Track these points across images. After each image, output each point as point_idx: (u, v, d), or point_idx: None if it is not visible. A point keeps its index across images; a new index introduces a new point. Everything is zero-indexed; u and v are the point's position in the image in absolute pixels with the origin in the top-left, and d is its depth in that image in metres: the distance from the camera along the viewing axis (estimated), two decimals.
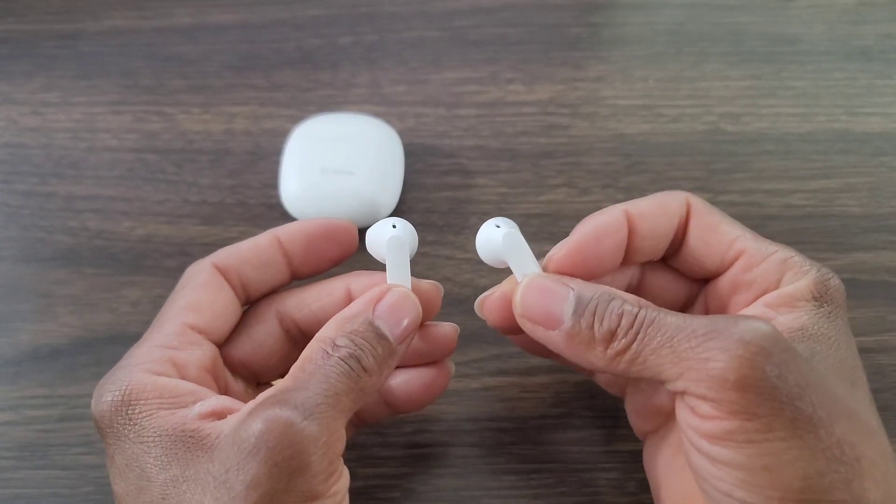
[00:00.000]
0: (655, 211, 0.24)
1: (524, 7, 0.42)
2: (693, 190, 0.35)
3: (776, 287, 0.23)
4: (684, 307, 0.26)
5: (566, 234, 0.34)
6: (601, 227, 0.23)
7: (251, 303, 0.26)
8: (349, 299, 0.25)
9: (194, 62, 0.40)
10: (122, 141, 0.38)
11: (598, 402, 0.30)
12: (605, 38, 0.41)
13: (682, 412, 0.21)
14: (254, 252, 0.25)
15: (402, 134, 0.36)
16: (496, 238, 0.23)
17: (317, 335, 0.22)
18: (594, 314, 0.21)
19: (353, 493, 0.22)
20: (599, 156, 0.36)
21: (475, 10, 0.41)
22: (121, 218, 0.35)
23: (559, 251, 0.23)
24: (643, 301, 0.21)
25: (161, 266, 0.34)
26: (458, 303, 0.32)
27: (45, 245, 0.35)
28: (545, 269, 0.23)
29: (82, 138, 0.38)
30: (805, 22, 0.41)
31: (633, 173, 0.36)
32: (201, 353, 0.23)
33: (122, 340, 0.32)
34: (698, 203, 0.24)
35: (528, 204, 0.35)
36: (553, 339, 0.22)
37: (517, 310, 0.23)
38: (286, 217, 0.34)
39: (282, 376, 0.27)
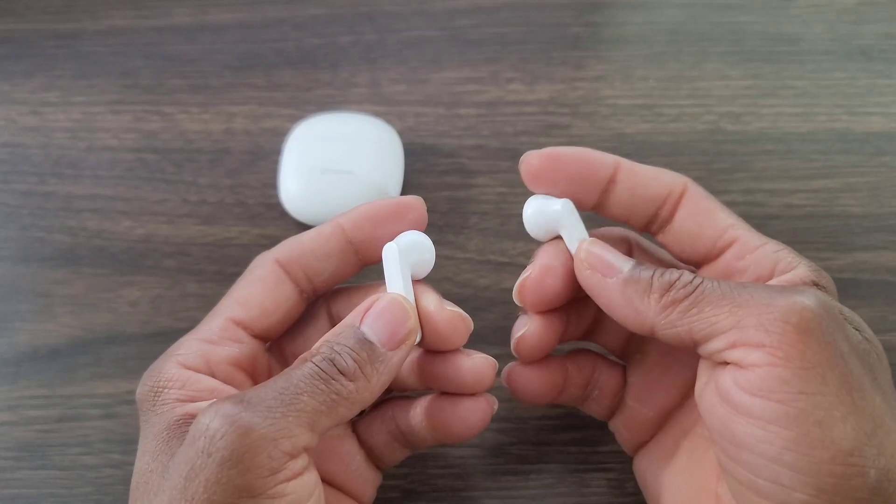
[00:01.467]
0: (645, 173, 0.24)
1: (524, 6, 0.41)
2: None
3: (769, 277, 0.23)
4: None
5: None
6: (585, 153, 0.24)
7: (322, 293, 0.26)
8: None
9: (194, 62, 0.40)
10: (121, 140, 0.38)
11: None
12: (606, 38, 0.41)
13: (722, 377, 0.20)
14: (316, 242, 0.24)
15: (401, 133, 0.36)
16: (552, 210, 0.24)
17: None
18: (653, 270, 0.22)
19: None
20: None
21: (475, 9, 0.41)
22: (120, 218, 0.35)
23: (537, 151, 0.24)
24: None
25: (160, 266, 0.34)
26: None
27: (44, 245, 0.35)
28: None
29: (81, 138, 0.38)
30: (805, 21, 0.41)
31: None
32: (238, 350, 0.23)
33: (121, 340, 0.32)
34: (695, 188, 0.24)
35: None
36: (608, 285, 0.22)
37: (580, 254, 0.23)
38: (286, 217, 0.34)
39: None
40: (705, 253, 0.24)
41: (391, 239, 0.24)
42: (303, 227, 0.34)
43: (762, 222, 0.34)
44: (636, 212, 0.25)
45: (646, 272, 0.22)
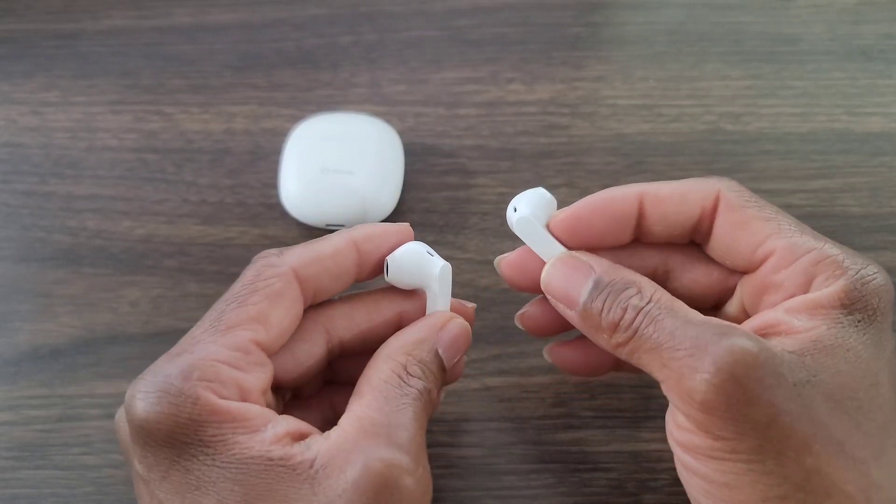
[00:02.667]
0: (673, 198, 0.23)
1: (524, 6, 0.41)
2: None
3: (805, 291, 0.22)
4: (721, 296, 0.25)
5: None
6: (607, 200, 0.24)
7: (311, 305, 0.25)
8: (400, 324, 0.24)
9: (194, 62, 0.40)
10: (121, 140, 0.38)
11: (598, 403, 0.30)
12: (606, 38, 0.41)
13: (667, 415, 0.22)
14: (334, 261, 0.23)
15: (401, 133, 0.36)
16: (512, 222, 0.24)
17: (384, 353, 0.23)
18: (604, 301, 0.22)
19: None
20: (600, 156, 0.36)
21: (475, 9, 0.41)
22: (120, 218, 0.35)
23: (560, 213, 0.24)
24: (658, 294, 0.21)
25: (160, 266, 0.34)
26: None
27: (45, 245, 0.35)
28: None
29: (82, 138, 0.38)
30: (805, 22, 0.41)
31: (633, 173, 0.36)
32: (264, 375, 0.22)
33: (121, 340, 0.32)
34: (731, 195, 0.23)
35: None
36: (571, 317, 0.23)
37: (543, 285, 0.24)
38: (286, 217, 0.34)
39: (305, 387, 0.26)
40: (743, 267, 0.23)
41: (382, 262, 0.24)
42: (303, 227, 0.35)
43: None
44: (675, 234, 0.24)
45: (595, 308, 0.22)
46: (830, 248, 0.22)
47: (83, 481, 0.29)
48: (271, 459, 0.19)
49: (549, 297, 0.24)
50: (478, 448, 0.29)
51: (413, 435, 0.21)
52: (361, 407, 0.21)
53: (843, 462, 0.19)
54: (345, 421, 0.21)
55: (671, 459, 0.29)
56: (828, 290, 0.21)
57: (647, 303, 0.21)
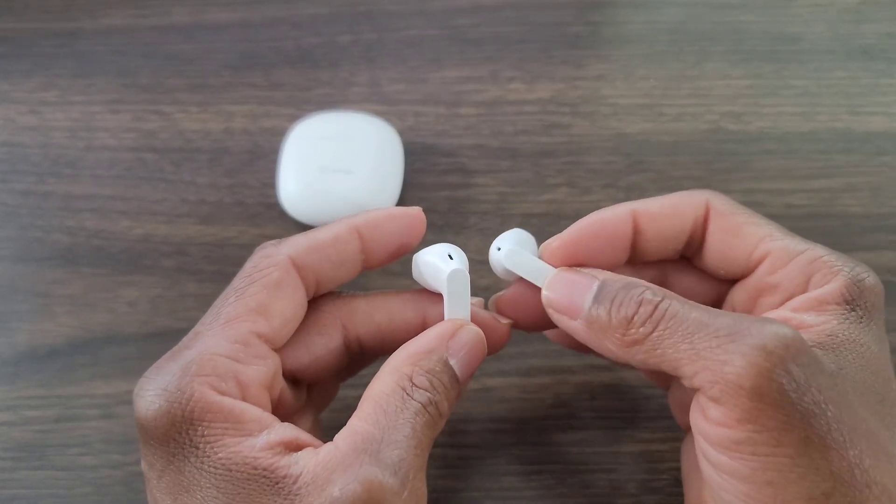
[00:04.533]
0: (666, 212, 0.23)
1: (524, 5, 0.41)
2: (695, 189, 0.35)
3: (804, 290, 0.22)
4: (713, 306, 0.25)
5: None
6: (600, 223, 0.23)
7: (313, 299, 0.24)
8: (423, 327, 0.23)
9: (193, 61, 0.40)
10: (120, 140, 0.37)
11: (598, 403, 0.30)
12: (606, 37, 0.40)
13: (694, 413, 0.20)
14: (335, 248, 0.23)
15: (401, 133, 0.36)
16: (500, 259, 0.24)
17: (390, 365, 0.21)
18: (612, 301, 0.21)
19: None
20: (600, 155, 0.36)
21: (475, 8, 0.41)
22: (119, 217, 0.35)
23: (553, 242, 0.23)
24: (668, 292, 0.21)
25: (159, 266, 0.34)
26: None
27: (43, 244, 0.35)
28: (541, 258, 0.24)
29: (80, 137, 0.38)
30: (806, 21, 0.40)
31: (633, 172, 0.36)
32: (265, 369, 0.21)
33: (119, 340, 0.32)
34: (720, 205, 0.23)
35: (529, 203, 0.35)
36: (575, 328, 0.22)
37: (544, 300, 0.23)
38: (284, 216, 0.34)
39: (328, 382, 0.26)
40: (739, 272, 0.23)
41: (397, 248, 0.24)
42: (302, 226, 0.34)
43: None
44: (668, 249, 0.24)
45: (602, 309, 0.21)
46: (822, 250, 0.22)
47: (81, 482, 0.29)
48: (256, 469, 0.19)
49: (551, 312, 0.23)
50: (478, 448, 0.29)
51: (405, 454, 0.19)
52: (359, 421, 0.20)
53: (879, 454, 0.19)
54: (339, 436, 0.20)
55: (672, 460, 0.29)
56: (829, 287, 0.21)
57: (662, 298, 0.20)
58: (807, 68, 0.39)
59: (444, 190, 0.36)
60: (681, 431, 0.26)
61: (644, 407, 0.30)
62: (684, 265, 0.25)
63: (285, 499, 0.19)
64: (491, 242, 0.34)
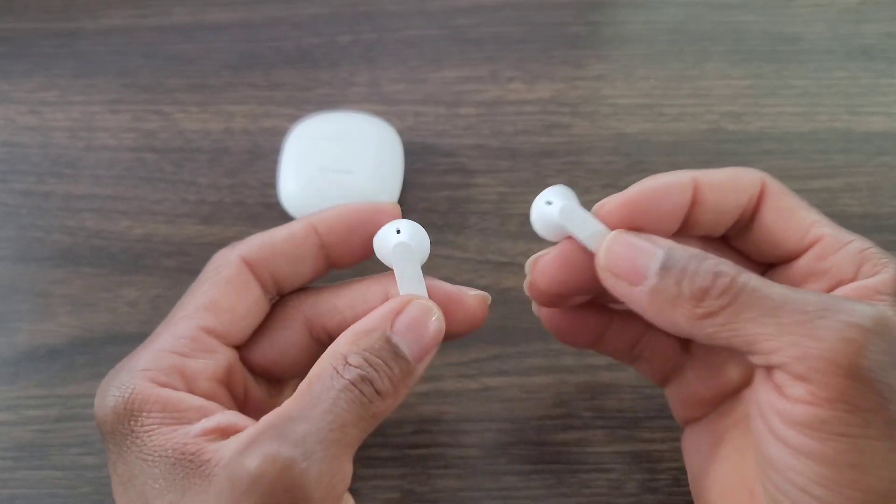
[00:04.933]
0: (726, 184, 0.22)
1: (524, 5, 0.41)
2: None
3: (852, 279, 0.21)
4: None
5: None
6: (664, 186, 0.22)
7: (281, 296, 0.24)
8: None
9: (193, 61, 0.40)
10: (120, 140, 0.37)
11: (598, 403, 0.30)
12: (606, 37, 0.40)
13: (765, 393, 0.19)
14: (288, 244, 0.23)
15: (401, 133, 0.36)
16: (552, 214, 0.22)
17: (329, 349, 0.21)
18: (684, 270, 0.20)
19: (353, 493, 0.22)
20: (600, 155, 0.36)
21: (475, 8, 0.41)
22: (119, 217, 0.35)
23: (612, 201, 0.22)
24: (740, 267, 0.20)
25: (159, 266, 0.34)
26: None
27: (43, 244, 0.35)
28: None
29: (80, 137, 0.38)
30: (806, 21, 0.40)
31: (633, 172, 0.36)
32: (214, 362, 0.22)
33: (120, 340, 0.32)
34: (774, 184, 0.23)
35: (529, 203, 0.35)
36: (636, 295, 0.20)
37: (601, 261, 0.21)
38: (285, 216, 0.34)
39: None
40: (788, 253, 0.23)
41: (364, 244, 0.23)
42: None
43: None
44: (721, 223, 0.23)
45: (671, 278, 0.20)
46: (868, 242, 0.22)
47: (82, 481, 0.29)
48: (184, 454, 0.19)
49: (607, 276, 0.21)
50: (478, 448, 0.29)
51: (314, 428, 0.19)
52: (287, 402, 0.20)
53: None
54: (264, 417, 0.20)
55: (671, 459, 0.29)
56: (880, 277, 0.21)
57: (739, 272, 0.19)
58: (807, 68, 0.39)
59: (444, 190, 0.36)
60: (680, 431, 0.26)
61: (644, 407, 0.30)
62: (721, 245, 0.24)
63: (204, 479, 0.19)
64: (491, 242, 0.34)
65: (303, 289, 0.24)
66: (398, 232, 0.23)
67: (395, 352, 0.21)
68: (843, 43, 0.40)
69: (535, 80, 0.39)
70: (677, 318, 0.20)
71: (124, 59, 0.40)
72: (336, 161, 0.33)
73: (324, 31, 0.41)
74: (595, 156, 0.36)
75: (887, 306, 0.20)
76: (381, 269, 0.23)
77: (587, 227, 0.22)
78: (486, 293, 0.24)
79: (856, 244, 0.21)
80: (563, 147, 0.37)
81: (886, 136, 0.37)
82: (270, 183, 0.36)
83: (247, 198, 0.36)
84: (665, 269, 0.20)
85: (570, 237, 0.22)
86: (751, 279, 0.19)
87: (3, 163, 0.37)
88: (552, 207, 0.22)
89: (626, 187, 0.35)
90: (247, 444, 0.19)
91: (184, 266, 0.34)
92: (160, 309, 0.33)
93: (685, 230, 0.23)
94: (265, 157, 0.37)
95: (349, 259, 0.24)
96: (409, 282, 0.22)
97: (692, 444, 0.25)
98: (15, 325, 0.32)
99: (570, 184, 0.35)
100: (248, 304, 0.23)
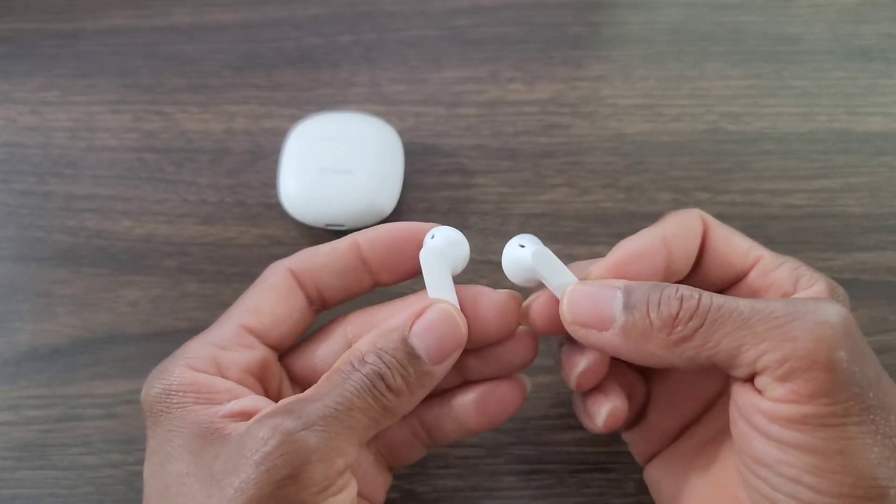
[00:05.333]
0: (684, 232, 0.24)
1: (524, 6, 0.41)
2: (694, 190, 0.35)
3: (792, 292, 0.23)
4: None
5: (567, 234, 0.35)
6: (642, 248, 0.23)
7: (327, 308, 0.26)
8: None
9: (194, 61, 0.40)
10: (121, 140, 0.38)
11: None
12: (606, 38, 0.41)
13: (747, 398, 0.20)
14: (331, 258, 0.24)
15: (401, 133, 0.36)
16: (524, 257, 0.23)
17: (351, 347, 0.22)
18: (647, 303, 0.21)
19: None
20: (600, 155, 0.36)
21: (475, 8, 0.41)
22: (120, 217, 0.35)
23: (599, 267, 0.23)
24: (697, 289, 0.21)
25: (160, 266, 0.34)
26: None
27: (44, 245, 0.35)
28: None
29: (81, 137, 0.38)
30: (806, 21, 0.41)
31: (633, 173, 0.36)
32: (250, 356, 0.23)
33: (120, 340, 0.32)
34: (711, 219, 0.25)
35: (529, 203, 0.35)
36: (608, 340, 0.21)
37: (566, 318, 0.22)
38: (285, 217, 0.34)
39: None
40: (734, 277, 0.24)
41: (406, 262, 0.24)
42: (302, 226, 0.34)
43: (762, 222, 0.34)
44: (687, 266, 0.24)
45: (638, 313, 0.21)
46: (797, 261, 0.24)
47: (82, 481, 0.29)
48: (208, 429, 0.21)
49: (574, 327, 0.22)
50: (478, 448, 0.29)
51: (323, 409, 0.20)
52: (305, 391, 0.22)
53: None
54: (281, 400, 0.22)
55: None
56: (817, 287, 0.22)
57: (700, 293, 0.20)
58: (806, 69, 0.39)
59: (445, 190, 0.36)
60: None
61: None
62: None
63: (219, 446, 0.20)
64: (491, 242, 0.34)
65: (350, 305, 0.26)
66: (432, 237, 0.24)
67: (411, 353, 0.22)
68: (843, 43, 0.40)
69: (535, 80, 0.39)
70: (654, 350, 0.21)
71: (125, 59, 0.40)
72: (336, 161, 0.33)
73: (324, 32, 0.41)
74: (595, 156, 0.36)
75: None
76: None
77: (557, 275, 0.23)
78: (515, 292, 0.24)
79: (790, 263, 0.23)
80: (562, 147, 0.37)
81: (886, 136, 0.37)
82: (271, 183, 0.36)
83: (247, 198, 0.36)
84: (627, 307, 0.21)
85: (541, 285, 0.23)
86: (714, 297, 0.20)
87: (4, 163, 0.37)
88: (525, 251, 0.23)
89: (625, 187, 0.35)
90: (260, 418, 0.20)
91: (184, 266, 0.34)
92: (161, 309, 0.33)
93: (666, 279, 0.24)
94: (266, 157, 0.37)
95: (392, 276, 0.25)
96: (436, 286, 0.23)
97: (659, 475, 0.25)
98: (16, 325, 0.33)
99: (570, 184, 0.36)
100: (289, 309, 0.24)
